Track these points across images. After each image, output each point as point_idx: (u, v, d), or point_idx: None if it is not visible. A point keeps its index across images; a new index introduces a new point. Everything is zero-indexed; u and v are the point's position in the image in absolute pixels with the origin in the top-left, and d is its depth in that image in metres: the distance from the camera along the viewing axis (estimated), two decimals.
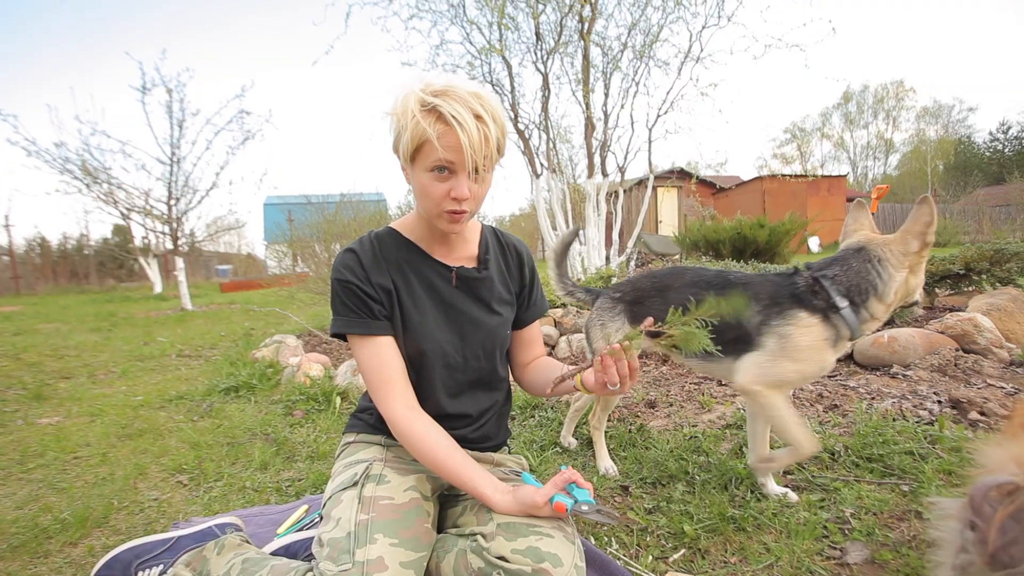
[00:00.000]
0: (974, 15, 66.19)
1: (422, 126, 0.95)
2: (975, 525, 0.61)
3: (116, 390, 3.35)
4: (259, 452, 2.13)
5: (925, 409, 2.21)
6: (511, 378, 1.33)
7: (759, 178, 15.17)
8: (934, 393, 2.35)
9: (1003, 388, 2.42)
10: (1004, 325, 3.04)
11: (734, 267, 3.79)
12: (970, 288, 3.59)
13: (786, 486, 1.62)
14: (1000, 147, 35.40)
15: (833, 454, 1.80)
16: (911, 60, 66.69)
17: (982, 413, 2.13)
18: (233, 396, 3.03)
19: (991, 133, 36.27)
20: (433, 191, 1.01)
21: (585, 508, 0.97)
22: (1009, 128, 35.20)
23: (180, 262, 8.87)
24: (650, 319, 0.93)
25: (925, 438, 1.85)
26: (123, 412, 2.81)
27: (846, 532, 1.38)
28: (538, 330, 1.32)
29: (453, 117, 0.94)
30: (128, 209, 8.84)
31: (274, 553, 1.29)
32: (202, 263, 20.64)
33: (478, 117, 0.96)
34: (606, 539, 1.41)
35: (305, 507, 1.61)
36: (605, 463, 1.84)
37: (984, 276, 3.36)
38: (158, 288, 11.81)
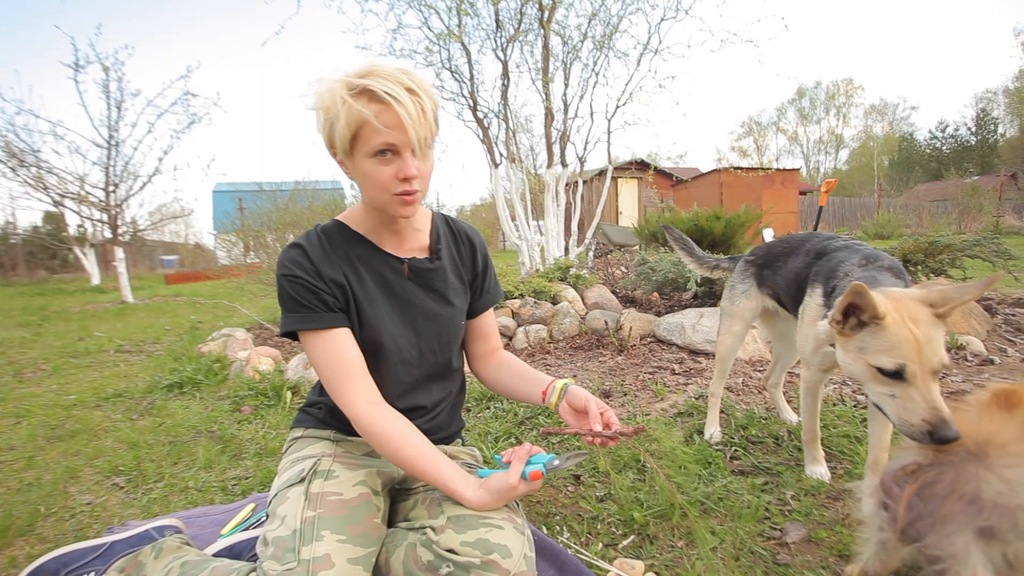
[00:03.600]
0: (918, 16, 69.66)
1: (355, 109, 0.92)
2: (887, 505, 0.65)
3: (46, 389, 3.17)
4: (204, 450, 2.07)
5: (862, 394, 2.34)
6: (466, 369, 1.33)
7: (716, 171, 15.58)
8: None
9: None
10: None
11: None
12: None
13: (732, 471, 1.69)
14: (939, 145, 37.57)
15: (777, 439, 1.89)
16: (860, 58, 69.74)
17: None
18: (177, 393, 2.92)
19: (931, 131, 38.48)
20: (380, 176, 0.98)
21: (557, 463, 0.99)
22: (947, 127, 37.40)
23: (120, 252, 8.43)
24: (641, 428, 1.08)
25: (861, 422, 1.96)
26: (53, 412, 2.67)
27: (786, 513, 1.45)
28: (492, 319, 1.32)
29: (387, 94, 0.92)
30: (61, 195, 8.33)
31: (217, 554, 1.25)
32: (145, 253, 19.69)
33: (411, 91, 0.94)
34: (557, 528, 1.43)
35: (251, 506, 1.57)
36: (788, 416, 2.05)
37: (919, 267, 3.57)
38: (96, 280, 11.20)
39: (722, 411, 2.15)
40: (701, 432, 1.97)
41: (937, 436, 0.89)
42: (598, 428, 1.06)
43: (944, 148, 37.03)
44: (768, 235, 6.91)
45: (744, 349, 3.05)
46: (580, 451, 1.03)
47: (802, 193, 17.68)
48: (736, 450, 1.83)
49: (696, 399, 2.34)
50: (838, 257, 1.45)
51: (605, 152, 5.67)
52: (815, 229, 5.53)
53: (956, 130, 37.02)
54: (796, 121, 43.25)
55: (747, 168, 15.94)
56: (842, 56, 69.95)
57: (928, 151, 37.95)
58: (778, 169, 16.32)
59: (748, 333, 3.18)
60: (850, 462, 1.71)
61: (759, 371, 2.79)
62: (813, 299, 1.47)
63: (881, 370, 1.06)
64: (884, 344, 1.06)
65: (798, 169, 17.35)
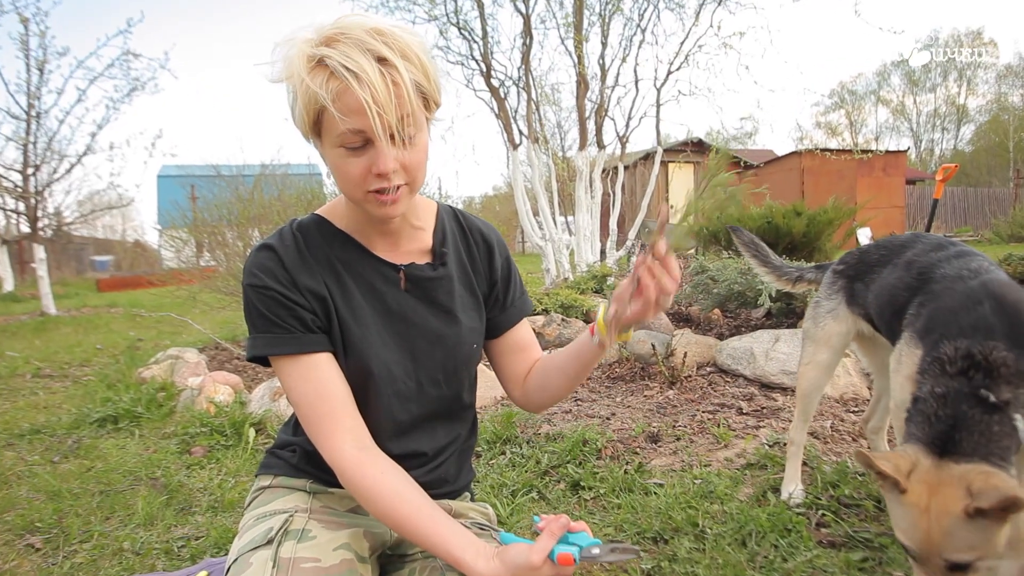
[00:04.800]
0: None
1: (312, 91, 0.91)
2: None
3: None
4: (144, 502, 2.10)
5: None
6: (512, 399, 1.32)
7: (797, 153, 15.49)
8: None
9: None
10: None
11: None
12: None
13: (820, 542, 1.67)
14: None
15: (879, 501, 1.86)
16: (990, 4, 68.71)
17: None
18: (111, 429, 2.97)
19: None
20: (349, 170, 0.98)
21: (597, 551, 0.97)
22: None
23: (41, 251, 8.63)
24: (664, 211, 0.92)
25: None
26: None
27: None
28: (528, 329, 1.31)
29: (344, 68, 0.89)
30: None
31: None
32: (72, 253, 20.13)
33: (381, 60, 0.92)
34: None
35: (204, 574, 1.59)
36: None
37: None
38: (9, 286, 11.49)
39: (805, 463, 2.13)
40: (777, 490, 1.95)
41: None
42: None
43: None
44: (864, 236, 6.84)
45: (833, 384, 3.02)
46: (630, 547, 1.01)
47: (910, 182, 17.48)
48: (824, 515, 1.80)
49: (771, 447, 2.32)
50: (951, 298, 1.39)
51: (653, 130, 5.69)
52: (928, 229, 5.46)
53: None
54: (903, 89, 42.74)
55: (837, 150, 15.82)
56: (967, 2, 68.98)
57: None
58: (878, 151, 16.17)
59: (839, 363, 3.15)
60: None
61: (854, 412, 2.75)
62: (910, 349, 1.41)
63: None
64: (899, 519, 1.24)
65: (905, 151, 17.20)
